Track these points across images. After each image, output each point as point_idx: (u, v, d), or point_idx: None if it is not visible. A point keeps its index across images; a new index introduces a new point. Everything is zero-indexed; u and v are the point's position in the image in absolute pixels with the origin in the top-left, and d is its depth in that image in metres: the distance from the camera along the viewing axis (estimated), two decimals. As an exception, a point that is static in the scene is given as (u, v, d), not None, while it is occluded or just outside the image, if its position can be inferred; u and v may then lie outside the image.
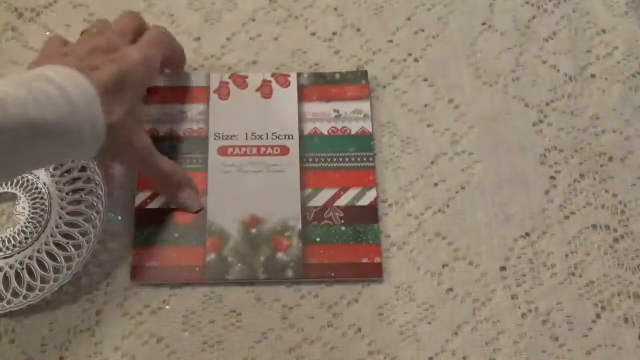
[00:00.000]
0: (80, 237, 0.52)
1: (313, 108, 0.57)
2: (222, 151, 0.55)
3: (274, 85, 0.58)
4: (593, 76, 0.62)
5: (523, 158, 0.58)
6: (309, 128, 0.57)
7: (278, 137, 0.56)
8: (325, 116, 0.57)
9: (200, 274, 0.52)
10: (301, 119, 0.57)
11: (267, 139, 0.56)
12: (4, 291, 0.51)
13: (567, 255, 0.55)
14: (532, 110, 0.60)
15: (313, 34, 0.62)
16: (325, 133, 0.56)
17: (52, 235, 0.53)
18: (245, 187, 0.54)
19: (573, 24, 0.63)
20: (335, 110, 0.57)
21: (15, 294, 0.51)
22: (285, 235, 0.53)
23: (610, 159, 0.58)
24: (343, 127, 0.57)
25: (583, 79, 0.61)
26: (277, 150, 0.55)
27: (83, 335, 0.51)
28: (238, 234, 0.53)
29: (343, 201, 0.54)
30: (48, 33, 0.60)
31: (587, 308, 0.53)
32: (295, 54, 0.61)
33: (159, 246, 0.52)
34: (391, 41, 0.62)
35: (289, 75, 0.58)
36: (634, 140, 0.59)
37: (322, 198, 0.54)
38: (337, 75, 0.59)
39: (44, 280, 0.51)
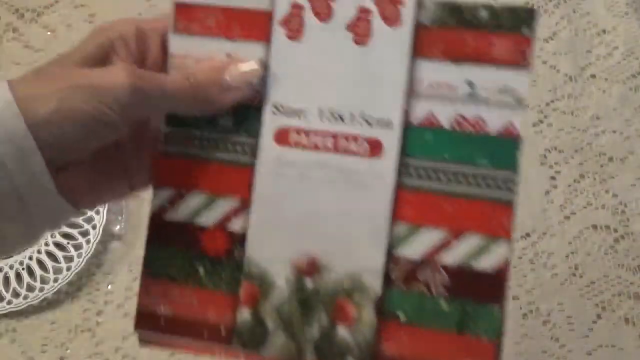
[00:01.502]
0: (80, 237, 0.52)
1: (432, 72, 0.33)
2: (281, 136, 0.34)
3: (376, 19, 0.33)
4: (593, 76, 0.61)
5: (523, 158, 0.58)
6: (420, 111, 0.33)
7: (368, 122, 0.34)
8: (450, 90, 0.33)
9: (226, 338, 0.34)
10: (411, 91, 0.33)
11: (352, 122, 0.34)
12: (4, 291, 0.51)
13: (567, 256, 0.55)
14: (532, 110, 0.60)
15: (313, 35, 0.62)
16: (446, 125, 0.33)
17: (52, 236, 0.53)
18: (307, 205, 0.34)
19: (573, 24, 0.63)
20: (468, 82, 0.33)
21: (15, 294, 0.51)
22: (354, 301, 0.34)
23: (610, 159, 0.58)
24: (476, 118, 0.33)
25: (583, 79, 0.61)
26: (363, 147, 0.34)
27: (84, 336, 0.51)
28: (286, 285, 0.34)
29: (452, 256, 0.33)
30: (49, 33, 0.60)
31: (588, 308, 0.53)
32: (295, 54, 0.61)
33: (175, 283, 0.35)
34: (391, 41, 0.62)
35: (400, 2, 0.33)
36: (634, 140, 0.59)
37: (420, 244, 0.33)
38: (483, 12, 0.32)
39: (44, 281, 0.51)
